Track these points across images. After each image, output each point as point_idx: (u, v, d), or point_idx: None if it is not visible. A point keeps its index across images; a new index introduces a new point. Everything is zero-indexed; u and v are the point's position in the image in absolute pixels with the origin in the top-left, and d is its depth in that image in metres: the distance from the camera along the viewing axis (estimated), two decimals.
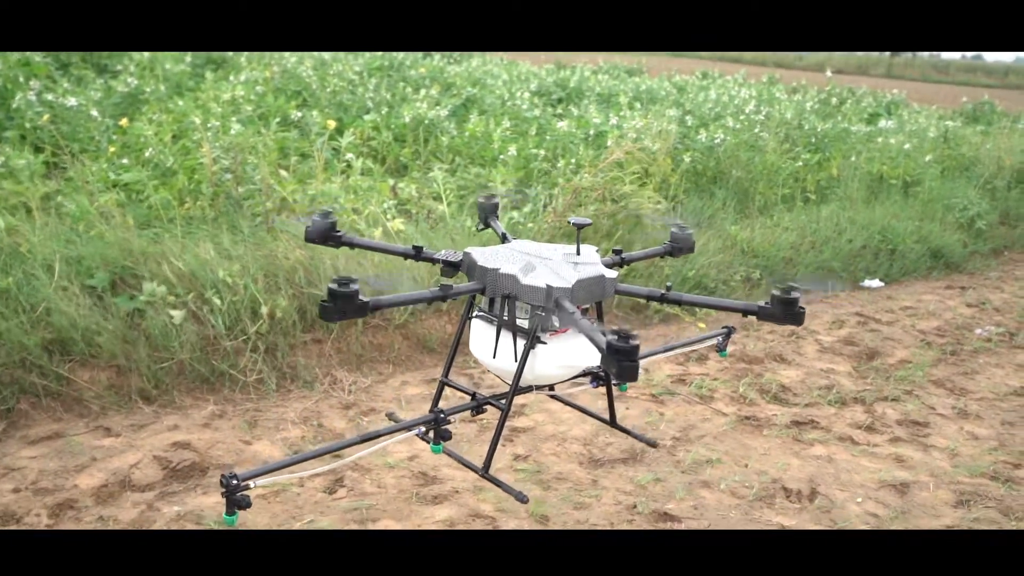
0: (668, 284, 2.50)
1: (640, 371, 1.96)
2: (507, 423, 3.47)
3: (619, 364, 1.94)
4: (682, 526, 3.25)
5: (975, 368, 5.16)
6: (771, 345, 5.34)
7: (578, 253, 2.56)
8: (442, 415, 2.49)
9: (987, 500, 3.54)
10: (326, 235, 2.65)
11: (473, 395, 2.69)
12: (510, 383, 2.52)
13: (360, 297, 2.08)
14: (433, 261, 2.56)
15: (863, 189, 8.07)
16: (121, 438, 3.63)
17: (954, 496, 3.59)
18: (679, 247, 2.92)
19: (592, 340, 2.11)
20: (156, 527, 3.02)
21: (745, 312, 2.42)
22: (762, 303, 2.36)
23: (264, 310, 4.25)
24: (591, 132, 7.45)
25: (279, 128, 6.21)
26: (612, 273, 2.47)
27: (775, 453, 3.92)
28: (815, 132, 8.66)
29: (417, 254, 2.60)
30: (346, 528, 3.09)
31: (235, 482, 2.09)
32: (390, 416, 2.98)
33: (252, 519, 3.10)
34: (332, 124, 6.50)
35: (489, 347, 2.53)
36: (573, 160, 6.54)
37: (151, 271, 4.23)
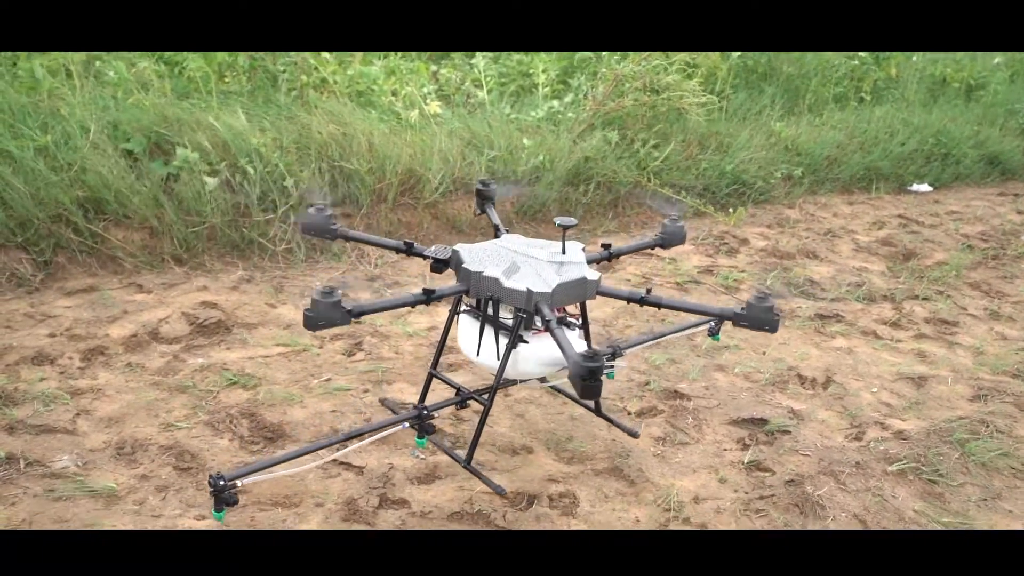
0: (648, 287, 2.62)
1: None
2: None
3: (582, 383, 2.02)
4: (691, 404, 3.28)
5: (1015, 273, 5.02)
6: (805, 242, 5.26)
7: (563, 252, 2.59)
8: (425, 411, 2.61)
9: (1005, 395, 3.50)
10: (322, 228, 2.72)
11: (458, 390, 2.77)
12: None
13: (343, 305, 2.16)
14: (423, 257, 2.62)
15: (922, 91, 7.73)
16: (152, 295, 3.77)
17: (972, 391, 3.55)
18: (669, 240, 2.99)
19: (563, 351, 2.18)
20: (180, 376, 3.16)
21: (721, 317, 2.50)
22: (738, 309, 2.43)
23: (289, 182, 4.30)
24: None
25: None
26: (594, 274, 2.53)
27: (795, 343, 3.91)
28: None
29: (408, 249, 2.67)
30: (362, 388, 3.19)
31: (222, 483, 2.18)
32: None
33: (272, 375, 3.22)
34: None
35: (474, 343, 2.61)
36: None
37: (186, 138, 4.30)
